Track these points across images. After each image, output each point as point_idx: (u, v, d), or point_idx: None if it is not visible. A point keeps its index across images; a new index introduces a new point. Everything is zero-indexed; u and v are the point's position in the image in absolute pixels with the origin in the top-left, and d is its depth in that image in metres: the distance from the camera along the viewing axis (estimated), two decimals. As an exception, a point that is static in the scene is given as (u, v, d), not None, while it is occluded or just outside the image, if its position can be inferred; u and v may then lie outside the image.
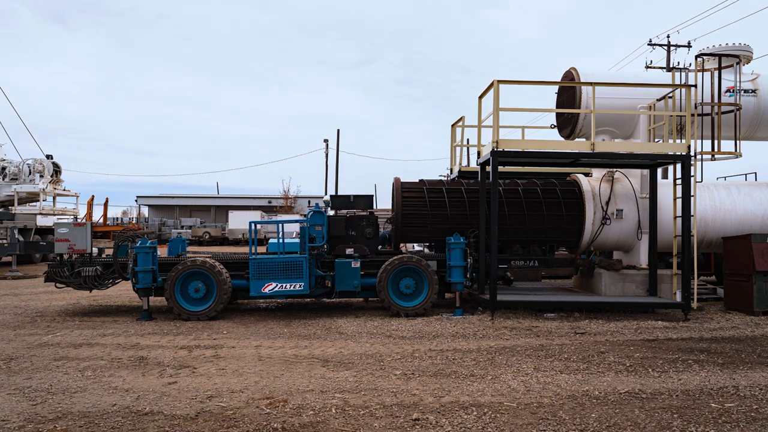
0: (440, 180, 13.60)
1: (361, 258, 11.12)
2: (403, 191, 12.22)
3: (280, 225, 11.63)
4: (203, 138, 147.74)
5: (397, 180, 12.51)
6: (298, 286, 10.59)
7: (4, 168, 25.95)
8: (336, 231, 11.39)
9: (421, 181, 12.90)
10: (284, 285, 10.59)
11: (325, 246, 11.23)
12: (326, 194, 43.11)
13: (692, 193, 10.87)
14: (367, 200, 11.72)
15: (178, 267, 10.53)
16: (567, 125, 12.95)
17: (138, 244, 10.59)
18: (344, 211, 11.73)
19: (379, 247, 12.14)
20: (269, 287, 10.61)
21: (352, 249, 11.22)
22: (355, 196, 11.71)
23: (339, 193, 12.22)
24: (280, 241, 10.96)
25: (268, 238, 15.25)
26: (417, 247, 16.33)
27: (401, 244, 12.77)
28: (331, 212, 11.77)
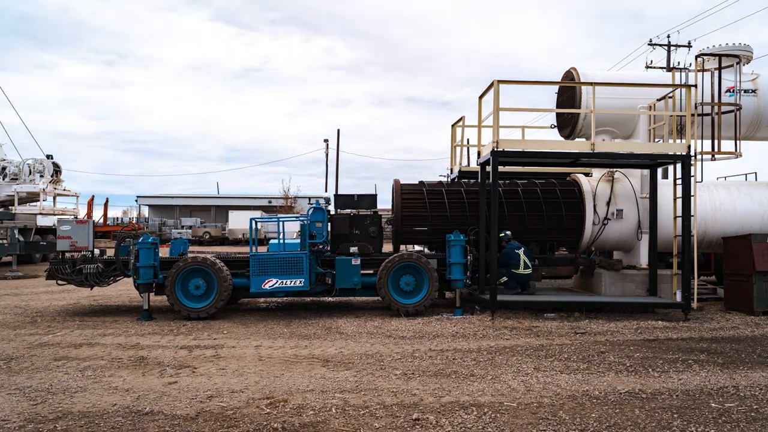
0: (440, 181, 13.60)
1: (362, 256, 11.12)
2: (402, 193, 12.21)
3: (281, 223, 11.63)
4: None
5: (396, 181, 12.50)
6: (298, 282, 10.59)
7: (4, 168, 25.95)
8: (340, 230, 11.39)
9: (420, 182, 12.91)
10: (284, 281, 10.58)
11: (328, 244, 11.23)
12: (326, 193, 43.21)
13: (692, 193, 10.87)
14: (370, 199, 11.73)
15: (179, 263, 10.55)
16: (567, 125, 12.95)
17: (140, 240, 10.65)
18: (348, 210, 11.75)
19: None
20: (269, 283, 10.61)
21: (356, 248, 11.22)
22: (359, 195, 11.72)
23: (342, 193, 12.14)
24: (281, 240, 10.96)
25: (269, 239, 15.26)
26: (417, 248, 16.33)
27: (401, 246, 12.76)
28: (334, 211, 11.78)
